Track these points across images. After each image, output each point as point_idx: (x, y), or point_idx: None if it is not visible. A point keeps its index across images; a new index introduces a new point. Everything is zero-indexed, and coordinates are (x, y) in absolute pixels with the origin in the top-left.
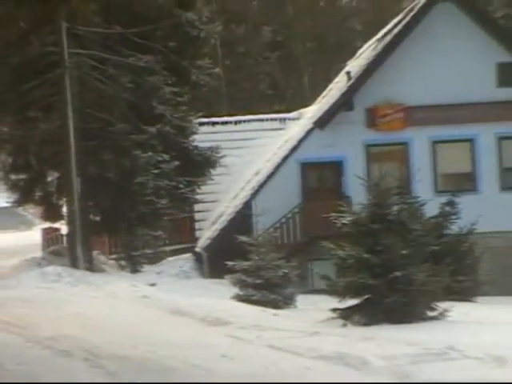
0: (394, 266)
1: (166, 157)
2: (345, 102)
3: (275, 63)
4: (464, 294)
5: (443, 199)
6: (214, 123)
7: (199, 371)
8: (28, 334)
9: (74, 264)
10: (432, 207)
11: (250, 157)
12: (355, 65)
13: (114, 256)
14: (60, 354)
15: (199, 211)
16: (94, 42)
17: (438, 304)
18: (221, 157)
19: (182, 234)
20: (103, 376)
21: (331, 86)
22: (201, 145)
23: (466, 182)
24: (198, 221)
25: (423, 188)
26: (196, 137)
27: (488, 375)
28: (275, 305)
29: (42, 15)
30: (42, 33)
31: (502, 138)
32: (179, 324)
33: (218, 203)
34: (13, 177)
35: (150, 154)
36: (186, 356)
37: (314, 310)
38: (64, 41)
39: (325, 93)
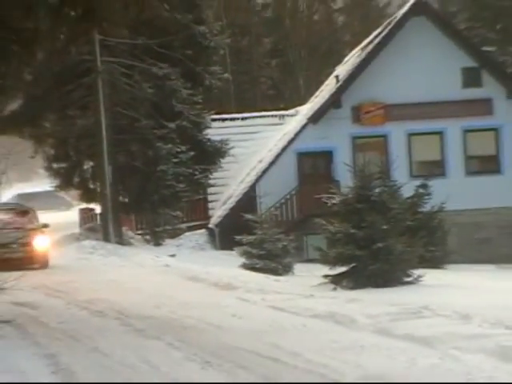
0: (376, 238)
1: (184, 148)
2: (334, 101)
3: (275, 68)
4: (435, 262)
5: (417, 182)
6: (223, 119)
7: (213, 328)
8: (68, 298)
9: (106, 238)
10: (408, 189)
11: (255, 148)
12: (343, 70)
13: (139, 232)
14: (95, 315)
15: (212, 194)
16: (123, 52)
17: (413, 270)
18: (230, 148)
19: (197, 212)
20: (132, 333)
21: (322, 87)
22: (213, 138)
23: (436, 168)
24: (211, 202)
25: (400, 173)
26: (209, 131)
27: (455, 330)
28: (276, 272)
29: (78, 31)
30: (79, 44)
31: (466, 131)
32: (195, 288)
33: (227, 187)
34: (55, 165)
35: (170, 145)
36: (201, 315)
37: (309, 276)
38: (97, 50)
39: (317, 93)
